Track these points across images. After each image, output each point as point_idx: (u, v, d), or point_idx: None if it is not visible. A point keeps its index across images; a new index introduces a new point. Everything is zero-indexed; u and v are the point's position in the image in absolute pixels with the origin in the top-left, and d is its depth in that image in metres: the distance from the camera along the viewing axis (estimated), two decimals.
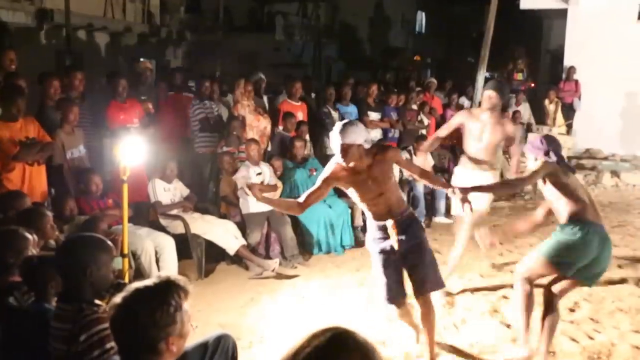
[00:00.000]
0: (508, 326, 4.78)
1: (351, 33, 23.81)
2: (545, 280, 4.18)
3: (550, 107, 12.70)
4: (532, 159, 4.15)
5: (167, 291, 2.16)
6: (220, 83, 8.79)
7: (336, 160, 3.92)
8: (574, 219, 3.95)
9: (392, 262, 4.04)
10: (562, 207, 4.01)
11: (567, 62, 13.39)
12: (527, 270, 4.09)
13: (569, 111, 12.88)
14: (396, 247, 3.96)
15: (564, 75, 13.27)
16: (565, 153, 11.66)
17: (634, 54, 12.58)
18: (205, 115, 7.63)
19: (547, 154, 4.06)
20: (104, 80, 8.15)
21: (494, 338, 4.56)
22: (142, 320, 2.08)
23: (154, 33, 15.22)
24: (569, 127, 12.82)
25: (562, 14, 13.91)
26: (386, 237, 4.00)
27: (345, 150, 3.77)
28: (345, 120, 3.98)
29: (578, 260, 3.91)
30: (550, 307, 4.12)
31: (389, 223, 3.95)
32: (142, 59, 9.78)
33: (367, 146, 3.85)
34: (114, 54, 13.76)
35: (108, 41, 14.02)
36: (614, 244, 7.13)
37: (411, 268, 4.01)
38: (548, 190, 4.08)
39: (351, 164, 3.85)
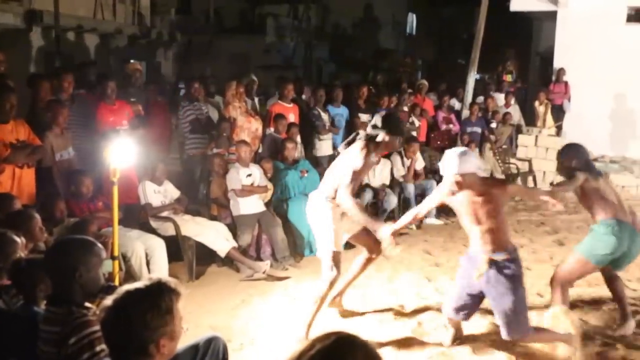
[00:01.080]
0: (499, 326, 4.79)
1: (342, 34, 23.83)
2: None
3: (540, 109, 12.76)
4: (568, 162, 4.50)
5: (158, 293, 2.15)
6: (211, 84, 8.79)
7: (446, 187, 3.90)
8: (605, 219, 4.35)
9: (470, 289, 4.08)
10: (594, 209, 4.41)
11: (557, 64, 13.46)
12: (569, 273, 4.44)
13: (558, 113, 12.95)
14: (476, 280, 3.94)
15: (553, 77, 13.34)
16: (555, 155, 11.82)
17: (622, 56, 12.67)
18: (195, 117, 7.62)
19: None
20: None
21: (486, 338, 4.57)
22: (132, 322, 2.08)
23: (144, 34, 15.17)
24: (559, 128, 12.88)
25: (551, 16, 13.99)
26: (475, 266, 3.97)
27: (460, 181, 3.78)
28: (460, 149, 3.91)
29: (611, 256, 4.33)
30: (613, 279, 4.64)
31: (483, 259, 3.91)
32: (132, 61, 9.74)
33: (481, 173, 3.84)
34: (104, 56, 13.70)
35: (98, 43, 13.96)
36: None
37: (492, 307, 4.06)
38: (580, 195, 4.46)
39: (463, 191, 3.84)
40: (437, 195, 4.15)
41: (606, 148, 12.98)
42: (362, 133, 4.88)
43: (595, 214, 4.43)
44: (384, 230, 4.31)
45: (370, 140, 4.61)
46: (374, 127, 4.71)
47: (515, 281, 3.91)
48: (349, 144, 4.77)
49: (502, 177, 10.61)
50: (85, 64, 8.61)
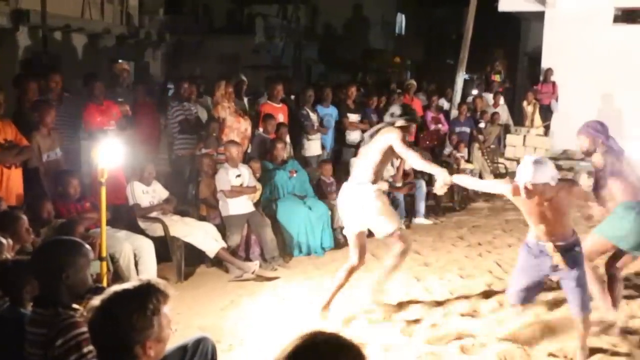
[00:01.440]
0: (486, 325, 4.81)
1: (331, 35, 23.85)
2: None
3: (529, 109, 12.84)
4: (591, 143, 4.58)
5: (146, 294, 2.14)
6: (200, 84, 8.77)
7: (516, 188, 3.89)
8: (627, 199, 4.44)
9: (537, 274, 4.19)
10: (616, 189, 4.47)
11: (545, 64, 13.55)
12: (587, 250, 4.35)
13: (546, 112, 13.04)
14: (561, 266, 4.01)
15: (541, 77, 13.43)
16: (542, 154, 11.90)
17: (609, 57, 12.76)
18: (184, 117, 7.60)
19: (607, 138, 4.55)
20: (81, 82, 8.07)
21: (472, 338, 4.58)
22: (119, 323, 2.07)
23: (132, 34, 15.11)
24: (547, 128, 12.97)
25: (539, 16, 14.08)
26: (543, 254, 4.07)
27: (531, 189, 3.76)
28: (536, 158, 3.86)
29: (631, 236, 4.39)
30: (614, 280, 4.63)
31: (549, 246, 4.01)
32: (120, 61, 9.71)
33: (553, 184, 3.78)
34: (92, 56, 13.63)
35: (86, 42, 13.89)
36: None
37: (565, 287, 4.18)
38: (604, 175, 4.53)
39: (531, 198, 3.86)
40: (502, 188, 4.17)
41: None
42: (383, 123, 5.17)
43: (617, 194, 4.49)
44: (444, 174, 4.60)
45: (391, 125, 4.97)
46: (392, 115, 5.02)
47: (579, 260, 4.05)
48: (372, 135, 5.06)
49: (492, 177, 10.67)
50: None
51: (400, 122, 4.93)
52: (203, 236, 6.18)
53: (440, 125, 11.11)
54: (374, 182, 4.85)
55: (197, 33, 16.72)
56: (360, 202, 4.83)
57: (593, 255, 4.58)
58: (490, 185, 4.51)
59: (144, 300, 2.12)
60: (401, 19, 29.50)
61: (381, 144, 4.84)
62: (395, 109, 5.06)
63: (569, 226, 4.06)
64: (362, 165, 4.96)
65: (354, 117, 9.19)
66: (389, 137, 4.81)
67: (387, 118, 5.08)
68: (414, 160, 4.82)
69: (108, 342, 2.11)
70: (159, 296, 2.16)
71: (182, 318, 4.85)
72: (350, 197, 4.92)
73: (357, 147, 8.68)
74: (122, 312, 2.08)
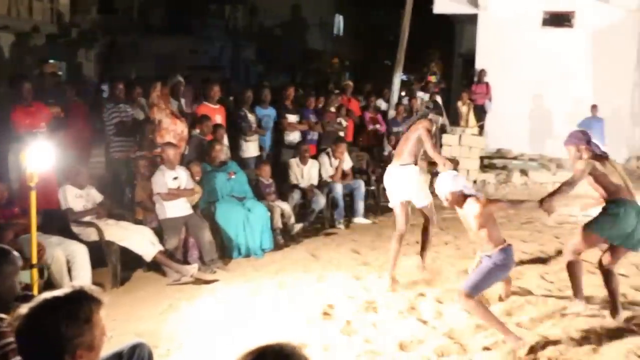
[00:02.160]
0: (425, 322, 4.90)
1: (269, 36, 23.80)
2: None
3: (463, 109, 13.14)
4: (576, 150, 4.91)
5: (77, 302, 2.08)
6: (136, 86, 8.59)
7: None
8: (612, 199, 4.81)
9: None
10: (602, 191, 4.86)
11: (478, 65, 13.91)
12: (575, 243, 4.93)
13: (480, 113, 13.37)
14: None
15: (475, 78, 13.77)
16: (478, 153, 12.21)
17: (539, 58, 13.22)
18: (120, 119, 7.44)
19: (588, 142, 4.90)
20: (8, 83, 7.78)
21: (410, 335, 4.66)
22: (47, 332, 2.00)
23: (63, 34, 14.67)
24: (481, 128, 13.30)
25: (473, 19, 14.45)
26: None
27: (450, 200, 4.46)
28: (448, 172, 4.70)
29: (620, 230, 4.74)
30: (609, 274, 4.88)
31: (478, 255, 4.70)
32: (50, 61, 9.40)
33: (467, 192, 4.45)
34: (20, 55, 13.15)
35: (13, 41, 13.39)
36: (522, 240, 7.51)
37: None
38: (590, 179, 4.86)
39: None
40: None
41: (525, 146, 13.53)
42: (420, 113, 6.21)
43: (603, 195, 4.87)
44: (446, 164, 5.54)
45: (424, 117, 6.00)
46: (427, 108, 6.05)
47: (494, 265, 4.41)
48: (409, 126, 6.18)
49: (429, 176, 10.86)
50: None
51: (432, 116, 5.92)
52: (139, 240, 6.06)
53: (378, 126, 11.24)
54: (415, 163, 5.83)
55: (133, 33, 16.36)
56: (405, 179, 5.78)
57: (581, 247, 4.97)
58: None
59: (75, 308, 2.05)
60: (339, 20, 29.72)
61: (417, 133, 5.82)
62: (429, 104, 6.02)
63: (495, 236, 4.46)
64: (404, 150, 5.87)
65: (292, 118, 9.20)
66: (420, 127, 5.82)
67: (421, 111, 6.08)
68: (430, 149, 5.73)
69: (36, 352, 2.03)
70: (91, 303, 2.10)
71: (118, 324, 4.74)
72: (396, 176, 5.84)
73: (295, 147, 8.71)
74: (51, 320, 2.01)
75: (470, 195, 4.45)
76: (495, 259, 4.42)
